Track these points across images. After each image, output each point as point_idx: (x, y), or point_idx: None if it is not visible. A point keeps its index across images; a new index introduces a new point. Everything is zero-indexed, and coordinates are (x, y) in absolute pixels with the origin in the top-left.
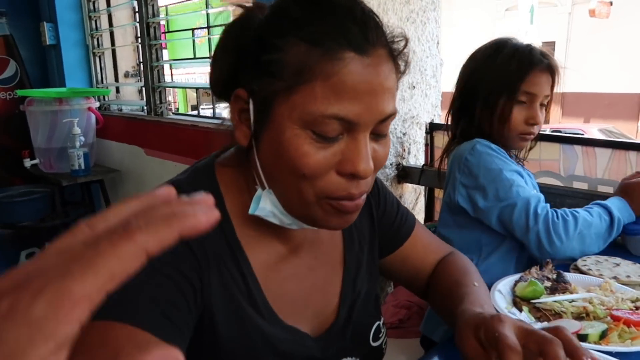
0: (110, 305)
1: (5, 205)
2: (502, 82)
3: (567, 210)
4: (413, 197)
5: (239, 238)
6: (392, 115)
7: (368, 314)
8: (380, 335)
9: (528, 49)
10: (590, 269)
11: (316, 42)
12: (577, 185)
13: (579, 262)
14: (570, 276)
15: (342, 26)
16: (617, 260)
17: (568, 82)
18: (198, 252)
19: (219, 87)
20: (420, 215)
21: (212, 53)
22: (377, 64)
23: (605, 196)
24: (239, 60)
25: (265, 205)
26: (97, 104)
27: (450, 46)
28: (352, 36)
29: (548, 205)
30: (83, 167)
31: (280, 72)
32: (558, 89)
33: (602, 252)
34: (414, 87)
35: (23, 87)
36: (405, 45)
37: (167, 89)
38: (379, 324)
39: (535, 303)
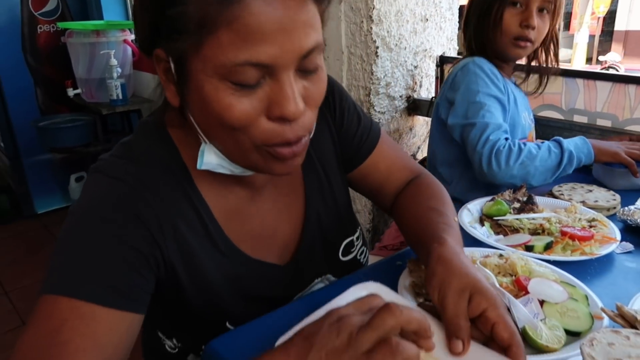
0: (57, 280)
1: (53, 131)
2: None
3: (519, 142)
4: (425, 130)
5: (198, 188)
6: (314, 48)
7: (338, 231)
8: (353, 250)
9: None
10: (562, 194)
11: None
12: (577, 118)
13: (554, 188)
14: (541, 200)
15: None
16: (592, 187)
17: (632, 19)
18: (148, 220)
19: (145, 48)
20: None
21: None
22: None
23: (602, 129)
24: (155, 18)
25: (211, 159)
26: (133, 37)
27: None
28: None
29: (504, 135)
30: (121, 97)
31: (185, 26)
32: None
33: (581, 180)
34: (427, 19)
35: (64, 20)
36: None
37: None
38: (352, 239)
39: (497, 220)
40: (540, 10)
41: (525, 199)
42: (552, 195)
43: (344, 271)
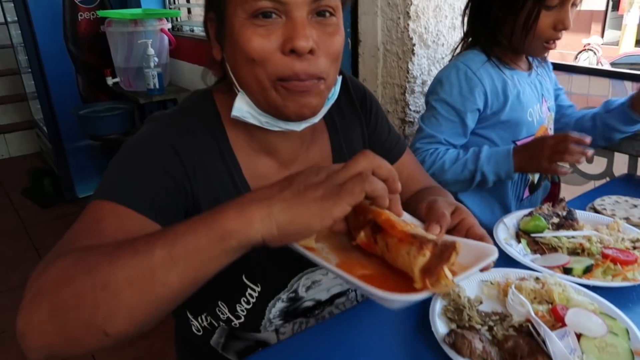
0: (102, 189)
1: (93, 119)
2: None
3: (439, 152)
4: None
5: (233, 149)
6: None
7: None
8: None
9: None
10: (605, 209)
11: None
12: None
13: (597, 202)
14: (581, 214)
15: None
16: (638, 201)
17: None
18: (184, 158)
19: (205, 20)
20: None
21: None
22: None
23: None
24: None
25: (242, 105)
26: (170, 26)
27: None
28: None
29: (433, 146)
30: (157, 86)
31: None
32: None
33: (627, 193)
34: None
35: (104, 8)
36: None
37: None
38: None
39: (534, 237)
40: (572, 4)
41: (564, 213)
42: (593, 209)
43: None
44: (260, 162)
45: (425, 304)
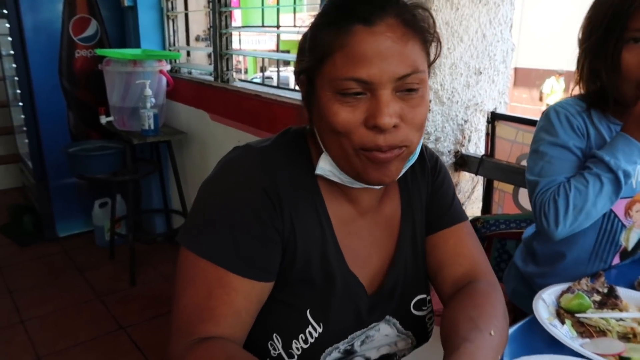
0: (203, 244)
1: (82, 158)
2: (608, 18)
3: (563, 186)
4: (470, 186)
5: (323, 196)
6: (409, 74)
7: (413, 285)
8: (424, 308)
9: None
10: None
11: (332, 23)
12: None
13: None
14: (623, 292)
15: (351, 5)
16: None
17: None
18: (274, 198)
19: (296, 77)
20: (476, 204)
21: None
22: (385, 32)
23: None
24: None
25: (325, 165)
26: (169, 67)
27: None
28: (359, 11)
29: (552, 187)
30: (152, 127)
31: (314, 53)
32: None
33: None
34: (481, 72)
35: (102, 46)
36: (423, 12)
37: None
38: (423, 298)
39: (579, 317)
40: None
41: (605, 290)
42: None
43: (413, 325)
44: (343, 207)
45: None
